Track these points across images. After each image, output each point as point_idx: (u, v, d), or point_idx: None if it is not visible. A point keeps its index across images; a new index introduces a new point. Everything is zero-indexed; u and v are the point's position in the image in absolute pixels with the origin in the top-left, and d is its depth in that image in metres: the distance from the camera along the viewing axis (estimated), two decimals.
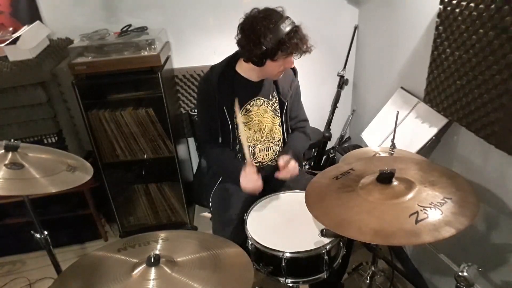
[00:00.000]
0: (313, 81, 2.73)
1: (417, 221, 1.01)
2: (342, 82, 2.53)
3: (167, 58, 2.37)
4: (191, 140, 2.82)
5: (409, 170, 1.24)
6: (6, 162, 1.34)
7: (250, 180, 1.57)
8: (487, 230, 1.53)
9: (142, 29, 2.30)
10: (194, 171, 2.90)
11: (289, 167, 1.61)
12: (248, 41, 1.48)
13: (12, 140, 1.40)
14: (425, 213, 1.04)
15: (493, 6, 1.25)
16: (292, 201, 1.62)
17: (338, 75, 2.52)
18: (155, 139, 2.34)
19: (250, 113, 1.70)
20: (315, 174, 1.40)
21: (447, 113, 1.60)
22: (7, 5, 2.28)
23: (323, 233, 1.37)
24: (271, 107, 1.74)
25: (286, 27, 1.44)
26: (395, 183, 1.16)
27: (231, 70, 1.66)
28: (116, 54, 2.12)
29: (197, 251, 1.14)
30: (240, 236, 1.53)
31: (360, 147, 2.30)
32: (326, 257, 1.36)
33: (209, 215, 1.89)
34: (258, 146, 1.75)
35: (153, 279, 1.00)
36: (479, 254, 1.58)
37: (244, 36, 1.50)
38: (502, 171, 1.41)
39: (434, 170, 1.24)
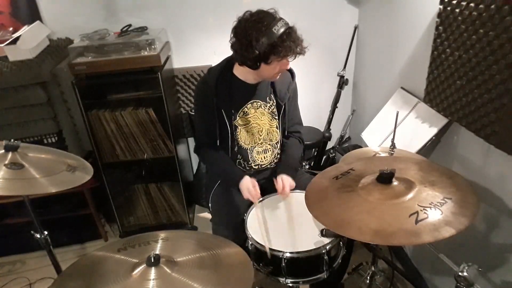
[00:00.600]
0: (313, 81, 2.73)
1: (417, 221, 1.01)
2: (342, 82, 2.53)
3: (167, 58, 2.37)
4: (191, 140, 2.82)
5: (409, 170, 1.24)
6: (6, 162, 1.34)
7: (249, 190, 1.59)
8: (487, 230, 1.53)
9: (142, 29, 2.30)
10: (194, 171, 2.90)
11: (286, 190, 1.60)
12: (241, 45, 1.47)
13: (12, 140, 1.40)
14: (425, 213, 1.04)
15: (493, 6, 1.25)
16: (292, 201, 1.62)
17: (338, 75, 2.52)
18: (155, 139, 2.34)
19: (247, 116, 1.70)
20: (315, 174, 1.40)
21: (447, 113, 1.60)
22: (7, 5, 2.28)
23: (323, 233, 1.37)
24: (269, 109, 1.74)
25: (278, 30, 1.42)
26: (395, 183, 1.16)
27: (229, 72, 1.66)
28: (116, 54, 2.11)
29: (197, 251, 1.14)
30: (240, 236, 1.53)
31: (360, 147, 2.30)
32: (326, 257, 1.36)
33: (209, 215, 1.89)
34: (256, 148, 1.75)
35: (153, 279, 1.00)
36: (479, 254, 1.58)
37: (237, 40, 1.49)
38: (502, 171, 1.41)
39: (434, 170, 1.24)
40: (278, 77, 1.64)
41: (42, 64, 2.08)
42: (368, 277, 1.70)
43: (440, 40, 1.56)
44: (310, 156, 2.76)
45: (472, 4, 1.34)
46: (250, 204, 1.60)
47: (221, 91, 1.64)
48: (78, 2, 2.31)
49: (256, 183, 1.62)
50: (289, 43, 1.44)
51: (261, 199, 1.60)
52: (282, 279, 1.40)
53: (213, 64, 1.73)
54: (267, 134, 1.76)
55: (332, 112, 2.62)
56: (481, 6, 1.30)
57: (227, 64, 1.67)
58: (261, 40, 1.42)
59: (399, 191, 1.14)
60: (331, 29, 2.58)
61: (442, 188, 1.14)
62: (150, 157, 2.38)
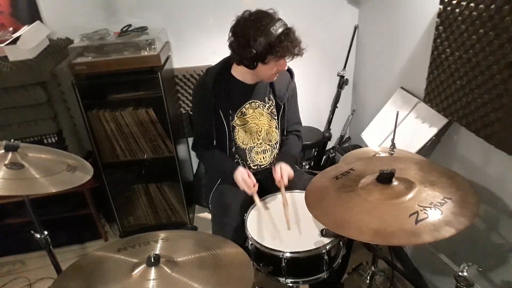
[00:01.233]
0: (313, 81, 2.73)
1: (417, 221, 1.01)
2: (342, 82, 2.53)
3: (167, 58, 2.37)
4: (191, 140, 2.82)
5: (409, 170, 1.24)
6: (6, 162, 1.34)
7: (244, 179, 1.59)
8: (487, 230, 1.53)
9: (142, 29, 2.30)
10: (194, 171, 2.90)
11: (284, 179, 1.60)
12: (239, 44, 1.47)
13: (12, 140, 1.40)
14: (425, 213, 1.04)
15: (493, 6, 1.25)
16: (292, 201, 1.62)
17: (338, 75, 2.52)
18: (155, 139, 2.34)
19: (246, 116, 1.70)
20: (315, 174, 1.40)
21: (447, 113, 1.60)
22: (7, 5, 2.28)
23: (323, 233, 1.37)
24: (267, 110, 1.74)
25: (276, 30, 1.42)
26: (395, 183, 1.16)
27: (227, 73, 1.66)
28: (116, 54, 2.11)
29: (197, 251, 1.14)
30: (240, 236, 1.53)
31: (360, 147, 2.30)
32: (326, 257, 1.36)
33: (209, 215, 1.89)
34: (255, 149, 1.75)
35: (153, 279, 1.00)
36: (479, 254, 1.58)
37: (235, 40, 1.49)
38: (502, 171, 1.41)
39: (434, 170, 1.24)
40: (276, 78, 1.64)
41: (42, 64, 2.07)
42: (368, 277, 1.70)
43: (440, 40, 1.56)
44: (310, 156, 2.76)
45: (472, 4, 1.34)
46: (250, 204, 1.60)
47: (219, 92, 1.64)
48: (78, 2, 2.31)
49: (250, 173, 1.62)
50: (286, 43, 1.44)
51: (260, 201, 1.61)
52: (282, 279, 1.40)
53: (213, 64, 1.73)
54: (266, 134, 1.76)
55: (332, 112, 2.62)
56: (481, 6, 1.30)
57: (225, 64, 1.67)
58: (259, 39, 1.42)
59: (399, 191, 1.14)
60: (331, 29, 2.58)
61: (442, 188, 1.14)
62: (150, 157, 2.38)
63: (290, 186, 1.70)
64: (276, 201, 1.63)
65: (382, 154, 1.69)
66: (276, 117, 1.77)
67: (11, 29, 2.32)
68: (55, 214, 2.44)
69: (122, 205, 2.55)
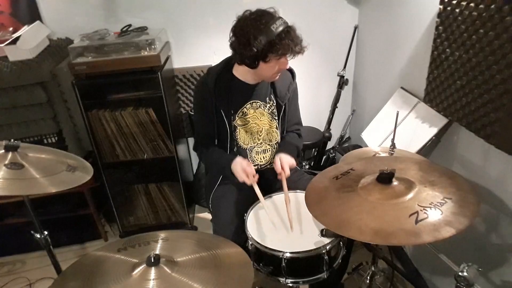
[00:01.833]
0: (313, 81, 2.73)
1: (417, 221, 1.01)
2: (342, 82, 2.53)
3: (167, 58, 2.37)
4: (191, 140, 2.82)
5: (409, 170, 1.24)
6: (6, 162, 1.34)
7: (243, 167, 1.57)
8: (487, 230, 1.53)
9: (142, 29, 2.30)
10: (194, 171, 2.90)
11: (285, 169, 1.59)
12: (240, 44, 1.47)
13: (12, 140, 1.40)
14: (425, 213, 1.04)
15: (493, 6, 1.25)
16: (292, 201, 1.62)
17: (338, 75, 2.52)
18: (155, 139, 2.34)
19: (246, 116, 1.70)
20: (315, 174, 1.40)
21: (447, 113, 1.60)
22: (7, 5, 2.28)
23: (323, 233, 1.37)
24: (268, 110, 1.74)
25: (277, 28, 1.42)
26: (395, 183, 1.16)
27: (228, 73, 1.66)
28: (116, 54, 2.11)
29: (197, 251, 1.14)
30: (240, 236, 1.53)
31: (360, 147, 2.30)
32: (326, 257, 1.36)
33: (209, 215, 1.89)
34: (255, 148, 1.75)
35: (153, 279, 1.00)
36: (479, 254, 1.58)
37: (236, 39, 1.49)
38: (502, 171, 1.41)
39: (434, 170, 1.24)
40: (278, 77, 1.63)
41: (42, 64, 2.08)
42: (368, 277, 1.70)
43: (440, 40, 1.56)
44: (310, 156, 2.76)
45: (472, 4, 1.35)
46: (250, 204, 1.60)
47: (220, 92, 1.64)
48: (78, 2, 2.31)
49: (250, 163, 1.61)
50: (287, 41, 1.44)
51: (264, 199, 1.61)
52: (282, 279, 1.40)
53: (213, 64, 1.73)
54: (267, 134, 1.76)
55: (332, 112, 2.62)
56: (481, 6, 1.30)
57: (226, 64, 1.67)
58: (259, 38, 1.42)
59: (399, 191, 1.14)
60: (331, 29, 2.58)
61: (442, 188, 1.14)
62: (150, 157, 2.37)
63: (291, 186, 1.70)
64: (276, 201, 1.63)
65: (382, 154, 1.69)
66: (276, 117, 1.77)
67: (11, 29, 2.32)
68: (55, 214, 2.44)
69: (122, 205, 2.55)
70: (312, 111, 2.77)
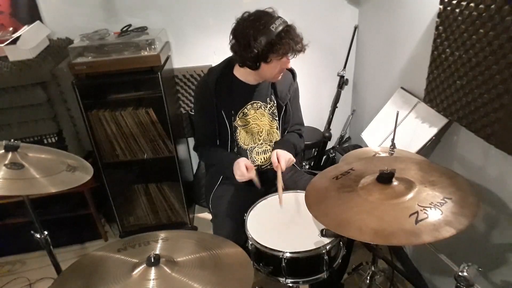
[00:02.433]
0: (313, 81, 2.73)
1: (417, 221, 1.01)
2: (342, 82, 2.53)
3: (167, 58, 2.37)
4: (191, 140, 2.82)
5: (409, 170, 1.24)
6: (6, 162, 1.34)
7: (242, 169, 1.58)
8: (487, 230, 1.53)
9: (142, 29, 2.30)
10: (194, 171, 2.90)
11: (281, 163, 1.58)
12: (240, 46, 1.47)
13: (12, 140, 1.40)
14: (425, 213, 1.04)
15: (493, 6, 1.25)
16: (292, 201, 1.62)
17: (338, 75, 2.52)
18: (155, 139, 2.34)
19: (247, 117, 1.70)
20: (315, 174, 1.40)
21: (447, 113, 1.60)
22: (7, 5, 2.28)
23: (323, 233, 1.37)
24: (269, 110, 1.74)
25: (277, 28, 1.42)
26: (395, 183, 1.16)
27: (229, 73, 1.66)
28: (116, 54, 2.11)
29: (197, 251, 1.14)
30: (240, 236, 1.53)
31: (360, 147, 2.30)
32: (326, 257, 1.36)
33: (209, 215, 1.89)
34: (256, 149, 1.75)
35: (153, 279, 1.00)
36: (479, 254, 1.58)
37: (236, 41, 1.49)
38: (502, 171, 1.41)
39: (434, 170, 1.24)
40: (280, 77, 1.63)
41: (42, 64, 2.08)
42: (368, 277, 1.70)
43: (440, 40, 1.56)
44: (310, 156, 2.76)
45: (472, 4, 1.34)
46: (250, 204, 1.60)
47: (221, 92, 1.64)
48: (78, 2, 2.31)
49: (249, 164, 1.61)
50: (287, 40, 1.43)
51: (257, 199, 1.61)
52: (282, 279, 1.40)
53: (213, 64, 1.73)
54: (267, 135, 1.76)
55: (332, 112, 2.62)
56: (481, 6, 1.30)
57: (227, 64, 1.67)
58: (259, 38, 1.42)
59: (399, 191, 1.14)
60: (331, 29, 2.58)
61: (442, 188, 1.14)
62: (150, 157, 2.37)
63: (291, 186, 1.70)
64: (276, 201, 1.63)
65: (382, 154, 1.69)
66: (277, 118, 1.77)
67: (11, 29, 2.32)
68: (55, 214, 2.44)
69: (122, 205, 2.55)
70: (312, 111, 2.76)
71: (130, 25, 2.31)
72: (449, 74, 1.53)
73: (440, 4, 1.53)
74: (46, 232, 1.48)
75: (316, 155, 2.71)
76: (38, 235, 1.46)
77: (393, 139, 1.56)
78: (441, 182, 1.17)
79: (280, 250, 1.34)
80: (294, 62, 1.58)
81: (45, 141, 2.25)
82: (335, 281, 1.90)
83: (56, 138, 2.25)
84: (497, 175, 1.43)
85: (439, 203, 1.07)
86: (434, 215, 1.03)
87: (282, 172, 1.60)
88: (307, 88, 2.64)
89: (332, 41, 2.61)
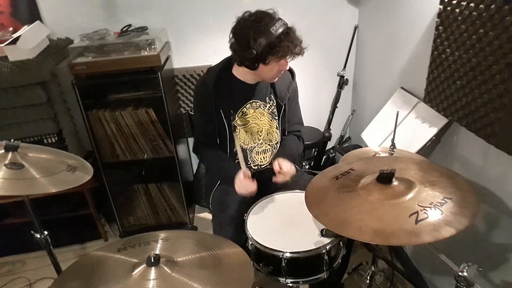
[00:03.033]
0: (313, 81, 2.73)
1: (417, 221, 1.01)
2: (342, 82, 2.53)
3: (167, 58, 2.37)
4: (191, 140, 2.82)
5: (409, 170, 1.24)
6: (6, 162, 1.34)
7: (244, 186, 1.56)
8: (487, 230, 1.53)
9: (142, 29, 2.30)
10: (194, 171, 2.90)
11: (284, 169, 1.58)
12: (239, 46, 1.47)
13: (12, 140, 1.40)
14: (425, 213, 1.04)
15: (493, 6, 1.25)
16: (292, 201, 1.62)
17: (338, 75, 2.52)
18: (155, 139, 2.34)
19: (246, 116, 1.70)
20: (315, 174, 1.40)
21: (447, 113, 1.60)
22: (7, 5, 2.28)
23: (323, 233, 1.37)
24: (268, 110, 1.74)
25: (276, 30, 1.42)
26: (395, 183, 1.16)
27: (228, 73, 1.66)
28: (116, 54, 2.11)
29: (197, 251, 1.14)
30: (240, 236, 1.53)
31: (360, 147, 2.30)
32: (326, 257, 1.36)
33: (209, 215, 1.89)
34: (255, 149, 1.75)
35: (153, 279, 1.00)
36: (479, 254, 1.58)
37: (236, 41, 1.49)
38: (502, 171, 1.41)
39: (434, 170, 1.24)
40: (277, 78, 1.63)
41: (42, 64, 2.08)
42: (368, 277, 1.70)
43: (440, 40, 1.56)
44: (310, 156, 2.76)
45: (472, 4, 1.34)
46: (250, 204, 1.60)
47: (220, 92, 1.64)
48: (78, 2, 2.31)
49: (252, 182, 1.60)
50: (287, 43, 1.43)
51: (257, 200, 1.60)
52: (282, 279, 1.40)
53: (213, 64, 1.73)
54: (267, 134, 1.76)
55: (332, 112, 2.62)
56: (481, 6, 1.30)
57: (226, 64, 1.67)
58: (259, 40, 1.42)
59: (399, 191, 1.13)
60: (331, 29, 2.58)
61: (442, 188, 1.14)
62: (150, 157, 2.37)
63: (290, 186, 1.70)
64: (276, 201, 1.63)
65: (382, 154, 1.69)
66: (276, 117, 1.77)
67: (11, 29, 2.32)
68: (55, 214, 2.44)
69: (122, 205, 2.55)
70: (312, 111, 2.77)
71: (130, 25, 2.31)
72: (449, 74, 1.53)
73: (440, 4, 1.53)
74: (46, 232, 1.48)
75: (316, 155, 2.71)
76: (38, 235, 1.46)
77: (393, 139, 1.56)
78: (441, 182, 1.17)
79: (280, 250, 1.34)
80: (294, 62, 1.58)
81: (45, 141, 2.25)
82: (335, 281, 1.90)
83: (56, 138, 2.25)
84: (497, 175, 1.43)
85: (439, 203, 1.07)
86: (434, 215, 1.03)
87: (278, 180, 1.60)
88: (307, 88, 2.64)
89: (332, 41, 2.61)
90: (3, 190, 1.25)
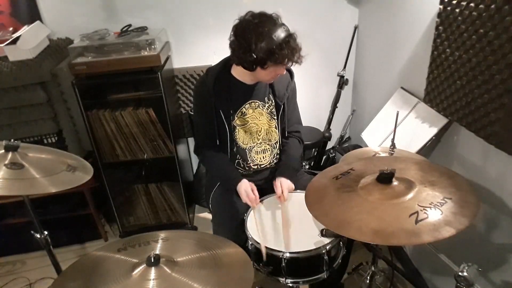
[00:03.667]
0: (313, 81, 2.73)
1: (417, 221, 1.01)
2: (342, 82, 2.53)
3: (167, 58, 2.37)
4: (191, 140, 2.82)
5: (409, 170, 1.24)
6: (6, 162, 1.34)
7: (247, 192, 1.59)
8: (487, 230, 1.53)
9: (142, 29, 2.30)
10: (194, 171, 2.90)
11: (285, 194, 1.59)
12: (239, 47, 1.47)
13: (12, 140, 1.40)
14: (425, 213, 1.04)
15: (493, 6, 1.25)
16: (292, 201, 1.62)
17: (338, 75, 2.52)
18: (155, 139, 2.34)
19: (245, 116, 1.70)
20: (315, 174, 1.40)
21: (447, 113, 1.60)
22: (7, 5, 2.28)
23: (323, 233, 1.37)
24: (267, 110, 1.74)
25: (278, 37, 1.41)
26: (395, 183, 1.16)
27: (227, 73, 1.66)
28: (116, 54, 2.11)
29: (197, 251, 1.14)
30: (240, 236, 1.53)
31: (360, 147, 2.30)
32: (326, 257, 1.36)
33: (209, 215, 1.89)
34: (255, 148, 1.75)
35: (153, 279, 1.00)
36: (479, 254, 1.58)
37: (236, 41, 1.49)
38: (502, 171, 1.41)
39: (434, 170, 1.24)
40: (273, 80, 1.64)
41: (42, 64, 2.07)
42: (368, 277, 1.70)
43: (440, 40, 1.56)
44: (310, 156, 2.76)
45: (472, 4, 1.34)
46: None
47: (219, 92, 1.64)
48: (78, 2, 2.31)
49: (255, 187, 1.62)
50: (287, 51, 1.43)
51: (260, 203, 1.60)
52: (282, 279, 1.40)
53: (213, 64, 1.73)
54: (266, 134, 1.76)
55: (332, 112, 2.62)
56: (481, 6, 1.30)
57: (225, 64, 1.67)
58: (260, 45, 1.41)
59: (399, 191, 1.14)
60: (331, 29, 2.58)
61: (442, 188, 1.14)
62: (150, 157, 2.37)
63: None
64: (276, 201, 1.63)
65: (382, 154, 1.69)
66: (275, 117, 1.77)
67: (11, 29, 2.32)
68: (55, 214, 2.44)
69: (122, 205, 2.55)
70: (312, 111, 2.77)
71: (130, 25, 2.31)
72: (449, 74, 1.53)
73: (440, 4, 1.53)
74: (46, 232, 1.48)
75: (316, 155, 2.71)
76: (38, 235, 1.46)
77: (393, 139, 1.56)
78: (441, 182, 1.17)
79: (280, 250, 1.34)
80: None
81: (45, 141, 2.25)
82: (335, 281, 1.90)
83: (56, 138, 2.25)
84: (497, 175, 1.43)
85: (439, 203, 1.07)
86: (434, 215, 1.03)
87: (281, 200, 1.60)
88: (307, 88, 2.65)
89: (332, 41, 2.61)
90: (3, 190, 1.25)
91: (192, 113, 2.58)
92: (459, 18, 1.42)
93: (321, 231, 1.38)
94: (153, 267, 1.02)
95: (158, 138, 2.34)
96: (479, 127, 1.40)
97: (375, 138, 2.06)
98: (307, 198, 1.25)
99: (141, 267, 1.03)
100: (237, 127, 1.71)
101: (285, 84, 1.74)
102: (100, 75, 2.12)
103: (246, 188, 1.60)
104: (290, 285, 1.42)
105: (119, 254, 1.14)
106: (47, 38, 2.28)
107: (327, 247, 1.35)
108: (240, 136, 1.72)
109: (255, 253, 1.44)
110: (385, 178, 1.16)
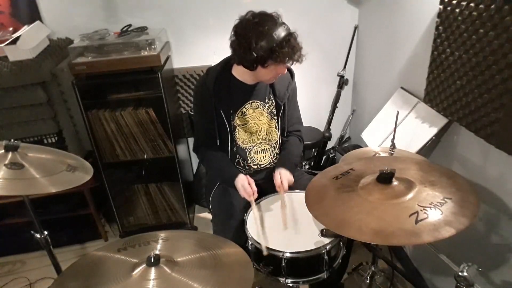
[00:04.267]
0: (313, 81, 2.73)
1: (417, 221, 1.01)
2: (342, 82, 2.53)
3: (167, 58, 2.37)
4: (191, 140, 2.82)
5: (409, 170, 1.24)
6: (6, 162, 1.34)
7: (244, 186, 1.59)
8: (487, 230, 1.53)
9: (142, 29, 2.30)
10: (194, 171, 2.90)
11: (285, 185, 1.60)
12: (240, 46, 1.47)
13: (12, 140, 1.40)
14: (425, 213, 1.04)
15: (493, 6, 1.25)
16: (292, 201, 1.62)
17: (338, 75, 2.52)
18: (155, 139, 2.34)
19: (246, 116, 1.70)
20: (315, 174, 1.40)
21: (447, 113, 1.60)
22: (7, 5, 2.28)
23: (323, 233, 1.37)
24: (267, 109, 1.74)
25: (279, 36, 1.42)
26: (395, 183, 1.16)
27: (227, 73, 1.66)
28: (116, 54, 2.11)
29: (197, 251, 1.14)
30: (240, 236, 1.53)
31: (360, 147, 2.30)
32: (326, 257, 1.36)
33: (209, 215, 1.89)
34: (255, 148, 1.75)
35: (153, 279, 1.00)
36: (479, 254, 1.58)
37: (237, 40, 1.49)
38: (502, 171, 1.41)
39: (434, 170, 1.24)
40: (274, 80, 1.64)
41: (42, 64, 2.08)
42: (368, 277, 1.70)
43: (440, 40, 1.56)
44: (310, 156, 2.76)
45: (472, 4, 1.34)
46: (250, 204, 1.60)
47: (220, 92, 1.64)
48: (78, 2, 2.31)
49: (252, 180, 1.61)
50: (287, 49, 1.43)
51: (257, 200, 1.60)
52: (282, 279, 1.40)
53: (213, 64, 1.73)
54: (266, 134, 1.76)
55: (332, 112, 2.62)
56: (481, 6, 1.30)
57: (225, 64, 1.67)
58: (260, 44, 1.42)
59: (399, 191, 1.14)
60: (331, 29, 2.58)
61: (442, 188, 1.14)
62: (150, 157, 2.38)
63: (291, 186, 1.70)
64: (276, 201, 1.63)
65: (382, 154, 1.69)
66: (276, 117, 1.77)
67: (11, 29, 2.32)
68: (55, 214, 2.44)
69: (122, 205, 2.55)
70: (312, 111, 2.77)
71: (130, 25, 2.31)
72: (449, 74, 1.53)
73: (440, 4, 1.53)
74: (46, 232, 1.48)
75: (316, 155, 2.71)
76: (38, 235, 1.46)
77: (393, 139, 1.56)
78: (441, 182, 1.17)
79: (280, 250, 1.34)
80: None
81: (45, 141, 2.25)
82: (335, 281, 1.90)
83: (56, 138, 2.25)
84: (497, 175, 1.43)
85: (439, 203, 1.07)
86: (434, 215, 1.03)
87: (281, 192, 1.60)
88: (307, 88, 2.65)
89: (332, 41, 2.61)
90: (3, 190, 1.25)
91: (192, 113, 2.58)
92: (459, 18, 1.42)
93: (321, 231, 1.38)
94: (153, 267, 1.02)
95: (158, 138, 2.34)
96: (479, 127, 1.40)
97: (375, 138, 2.06)
98: (307, 198, 1.25)
99: (141, 267, 1.03)
100: (237, 127, 1.71)
101: (286, 84, 1.75)
102: (100, 75, 2.12)
103: (243, 183, 1.59)
104: (290, 285, 1.42)
105: (119, 254, 1.13)
106: (47, 38, 2.28)
107: (327, 247, 1.35)
108: (240, 136, 1.72)
109: (255, 253, 1.44)
110: (385, 178, 1.16)
